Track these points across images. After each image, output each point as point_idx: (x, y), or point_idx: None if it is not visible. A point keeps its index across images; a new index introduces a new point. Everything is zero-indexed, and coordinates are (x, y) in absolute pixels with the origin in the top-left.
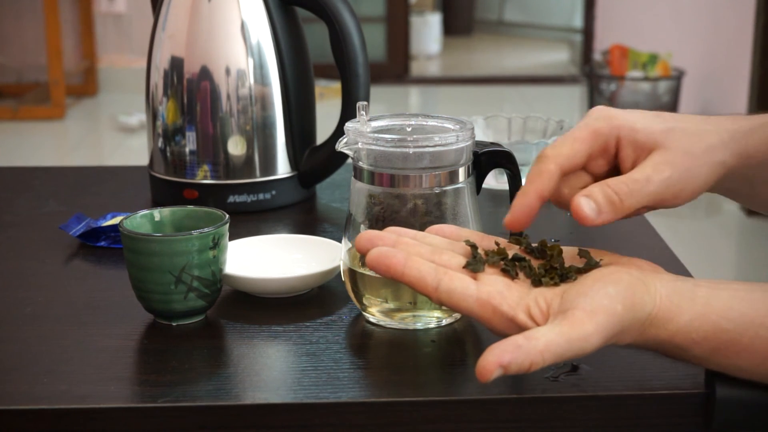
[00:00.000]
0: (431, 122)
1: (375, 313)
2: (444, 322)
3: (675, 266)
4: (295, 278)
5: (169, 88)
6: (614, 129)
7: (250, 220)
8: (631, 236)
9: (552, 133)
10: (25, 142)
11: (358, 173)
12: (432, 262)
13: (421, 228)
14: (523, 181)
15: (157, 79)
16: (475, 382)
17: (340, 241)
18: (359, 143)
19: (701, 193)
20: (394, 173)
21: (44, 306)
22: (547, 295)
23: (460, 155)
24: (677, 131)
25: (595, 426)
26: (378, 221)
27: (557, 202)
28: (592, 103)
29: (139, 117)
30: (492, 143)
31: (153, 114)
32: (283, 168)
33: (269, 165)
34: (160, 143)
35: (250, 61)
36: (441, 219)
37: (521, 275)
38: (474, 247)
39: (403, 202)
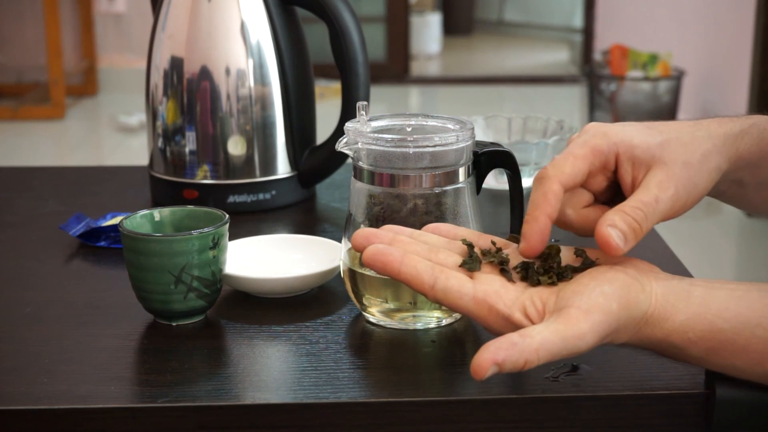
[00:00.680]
0: (431, 122)
1: (375, 313)
2: (444, 322)
3: (675, 266)
4: (295, 278)
5: (169, 88)
6: (613, 146)
7: (250, 220)
8: None
9: (552, 133)
10: (25, 142)
11: (358, 173)
12: (428, 260)
13: (421, 228)
14: (525, 182)
15: (157, 79)
16: (475, 382)
17: (340, 241)
18: (359, 143)
19: (701, 199)
20: (394, 173)
21: (44, 306)
22: (542, 293)
23: (460, 155)
24: (672, 142)
25: (595, 426)
26: (378, 221)
27: (558, 222)
28: (592, 103)
29: (139, 117)
30: (492, 143)
31: (153, 114)
32: (283, 168)
33: (269, 165)
34: (160, 143)
35: (250, 61)
36: (441, 219)
37: (516, 276)
38: (470, 246)
39: (403, 202)
